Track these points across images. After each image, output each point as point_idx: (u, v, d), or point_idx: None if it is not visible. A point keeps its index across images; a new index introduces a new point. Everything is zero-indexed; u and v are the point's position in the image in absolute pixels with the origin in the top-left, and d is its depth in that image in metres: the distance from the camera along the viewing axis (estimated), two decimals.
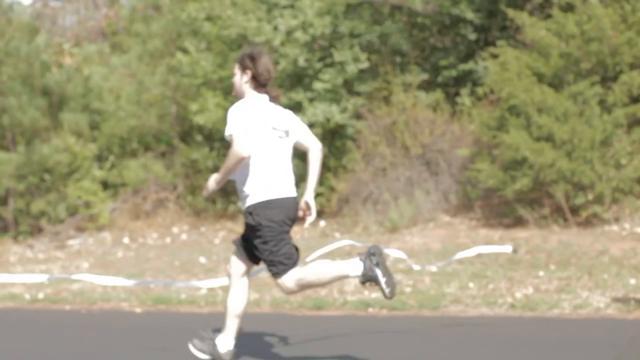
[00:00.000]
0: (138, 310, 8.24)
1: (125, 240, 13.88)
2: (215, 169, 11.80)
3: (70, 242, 14.21)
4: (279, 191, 5.15)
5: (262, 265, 5.34)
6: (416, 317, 7.15)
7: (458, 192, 12.18)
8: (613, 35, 10.77)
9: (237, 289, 5.31)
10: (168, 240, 13.59)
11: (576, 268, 8.52)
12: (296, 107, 12.96)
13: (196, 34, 14.39)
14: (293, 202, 5.21)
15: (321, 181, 13.12)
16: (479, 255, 9.51)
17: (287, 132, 5.27)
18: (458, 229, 11.35)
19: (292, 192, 5.23)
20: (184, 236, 13.70)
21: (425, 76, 13.26)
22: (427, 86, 13.34)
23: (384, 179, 12.58)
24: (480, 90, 12.21)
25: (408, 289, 8.11)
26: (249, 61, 5.27)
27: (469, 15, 12.87)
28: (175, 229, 14.04)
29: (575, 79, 11.06)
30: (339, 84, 12.84)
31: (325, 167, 13.26)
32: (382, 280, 4.95)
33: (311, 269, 5.09)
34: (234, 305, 5.29)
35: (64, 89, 15.11)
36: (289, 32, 12.86)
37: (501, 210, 11.49)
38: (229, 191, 12.73)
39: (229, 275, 5.38)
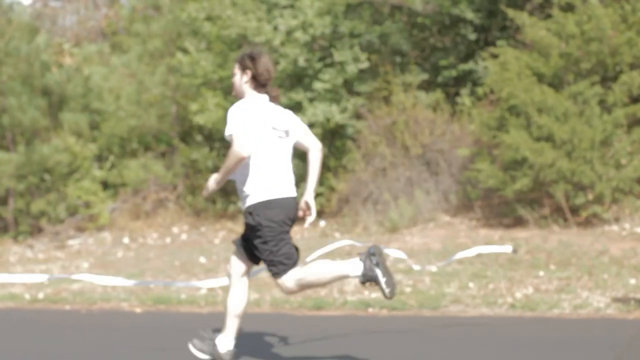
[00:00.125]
0: (138, 310, 8.24)
1: (125, 240, 13.88)
2: (215, 169, 11.80)
3: (70, 242, 14.21)
4: (279, 191, 5.14)
5: (262, 265, 5.34)
6: (416, 317, 7.15)
7: (458, 192, 12.18)
8: (613, 35, 10.77)
9: (237, 289, 5.31)
10: (168, 240, 13.59)
11: (576, 268, 8.52)
12: (296, 107, 12.96)
13: (196, 34, 14.39)
14: (293, 202, 5.21)
15: (321, 181, 13.12)
16: (479, 255, 9.51)
17: (287, 132, 5.27)
18: (458, 229, 11.35)
19: (292, 192, 5.23)
20: (184, 236, 13.70)
21: (425, 76, 13.26)
22: (427, 86, 13.34)
23: (384, 179, 12.58)
24: (480, 90, 12.21)
25: (408, 289, 8.11)
26: (249, 61, 5.27)
27: (469, 15, 12.87)
28: (175, 229, 14.04)
29: (575, 79, 11.06)
30: (339, 84, 12.84)
31: (325, 167, 13.26)
32: (382, 280, 4.95)
33: (311, 269, 5.09)
34: (234, 305, 5.29)
35: (64, 89, 15.11)
36: (289, 32, 12.86)
37: (501, 210, 11.49)
38: (229, 191, 12.73)
39: (229, 275, 5.37)
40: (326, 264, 5.12)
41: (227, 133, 5.07)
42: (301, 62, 12.75)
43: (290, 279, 5.08)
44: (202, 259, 11.07)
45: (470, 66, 12.95)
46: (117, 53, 16.79)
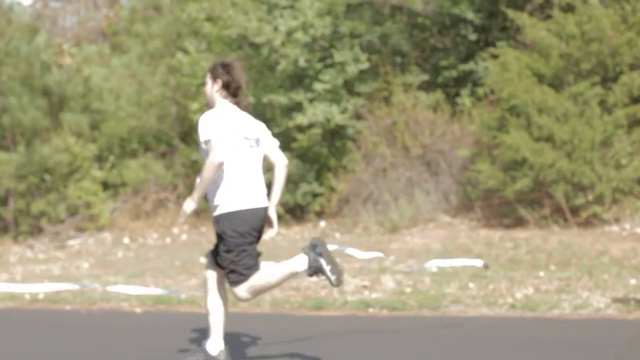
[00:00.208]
0: (138, 310, 8.24)
1: (126, 240, 13.89)
2: None
3: (71, 242, 14.21)
4: (249, 201, 5.14)
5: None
6: (416, 317, 7.14)
7: (458, 193, 12.18)
8: (613, 36, 10.77)
9: (215, 293, 5.31)
10: (168, 240, 13.59)
11: (576, 268, 8.52)
12: (296, 108, 12.97)
13: (196, 35, 14.39)
14: (262, 212, 5.21)
15: (321, 181, 13.14)
16: (479, 255, 9.53)
17: (257, 141, 5.29)
18: (458, 229, 11.35)
19: (262, 202, 5.21)
20: (184, 236, 13.70)
21: (425, 77, 13.27)
22: (427, 87, 13.35)
23: (384, 180, 12.58)
24: (480, 91, 12.22)
25: (408, 289, 8.11)
26: (220, 70, 5.30)
27: (470, 15, 12.87)
28: (175, 229, 14.04)
29: (576, 79, 11.06)
30: (339, 84, 12.84)
31: (325, 167, 13.29)
32: (327, 268, 5.02)
33: (259, 274, 5.13)
34: (214, 309, 5.30)
35: (64, 89, 15.12)
36: (290, 33, 12.86)
37: (501, 211, 11.49)
38: None
39: (205, 281, 5.38)
40: (273, 266, 5.18)
41: (202, 139, 5.07)
42: (301, 62, 12.75)
43: (242, 288, 5.13)
44: (202, 259, 11.06)
45: (471, 67, 12.96)
46: (118, 53, 16.80)
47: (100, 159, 15.39)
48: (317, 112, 12.66)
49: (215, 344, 5.28)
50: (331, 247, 6.45)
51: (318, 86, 12.76)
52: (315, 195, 13.10)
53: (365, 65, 12.84)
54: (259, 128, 5.36)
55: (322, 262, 5.03)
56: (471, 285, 8.12)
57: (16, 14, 16.01)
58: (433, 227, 11.64)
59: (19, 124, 14.66)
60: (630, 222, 10.42)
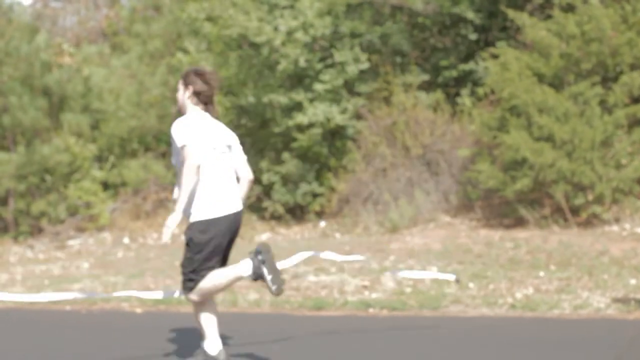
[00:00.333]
0: (138, 310, 8.24)
1: (126, 240, 13.88)
2: None
3: (71, 242, 14.21)
4: (221, 208, 5.17)
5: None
6: (416, 317, 7.14)
7: (458, 193, 12.18)
8: (613, 36, 10.77)
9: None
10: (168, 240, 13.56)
11: (576, 268, 8.52)
12: (296, 107, 12.97)
13: (196, 34, 14.39)
14: (235, 217, 5.24)
15: (321, 181, 13.14)
16: (479, 255, 9.53)
17: (229, 147, 5.33)
18: (458, 229, 11.35)
19: (235, 207, 5.24)
20: (184, 236, 13.68)
21: (425, 76, 13.26)
22: (427, 86, 13.35)
23: (384, 180, 12.58)
24: (480, 91, 12.22)
25: (408, 289, 8.11)
26: (193, 77, 5.34)
27: (470, 15, 12.87)
28: (175, 229, 14.01)
29: (576, 79, 11.06)
30: (339, 84, 12.84)
31: (325, 167, 13.29)
32: (268, 277, 5.08)
33: (208, 278, 5.17)
34: (204, 310, 5.31)
35: (64, 89, 15.11)
36: (290, 33, 12.86)
37: (502, 211, 11.48)
38: None
39: None
40: (220, 270, 5.21)
41: (179, 145, 5.10)
42: (302, 62, 12.75)
43: (194, 292, 5.19)
44: None
45: (471, 66, 12.95)
46: (118, 53, 16.79)
47: (100, 159, 15.38)
48: (317, 112, 12.66)
49: (213, 344, 5.28)
50: (307, 254, 6.47)
51: (318, 86, 12.76)
52: (315, 195, 13.10)
53: (365, 65, 12.84)
54: (230, 136, 5.39)
55: (264, 270, 5.08)
56: (471, 285, 8.12)
57: (16, 14, 16.01)
58: (433, 227, 11.64)
59: (19, 124, 14.65)
60: (630, 222, 10.42)
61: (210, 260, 5.17)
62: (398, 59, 13.73)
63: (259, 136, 13.77)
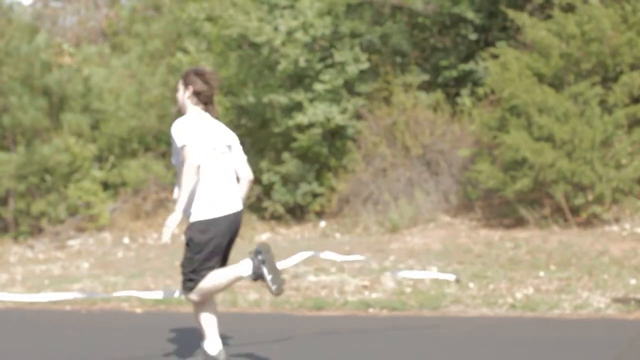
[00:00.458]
0: (138, 310, 8.24)
1: (126, 240, 13.88)
2: None
3: (71, 242, 14.21)
4: (221, 208, 5.17)
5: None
6: (416, 317, 7.14)
7: (458, 193, 12.18)
8: (613, 36, 10.77)
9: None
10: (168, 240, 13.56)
11: (576, 268, 8.52)
12: (296, 107, 12.96)
13: (196, 34, 14.39)
14: (235, 217, 5.24)
15: (321, 181, 13.14)
16: (479, 255, 9.53)
17: (229, 147, 5.33)
18: (458, 229, 11.34)
19: (235, 207, 5.24)
20: (184, 236, 13.68)
21: (425, 76, 13.26)
22: (427, 86, 13.35)
23: (385, 180, 12.58)
24: (480, 91, 12.22)
25: (408, 289, 8.11)
26: (193, 77, 5.35)
27: (470, 15, 12.87)
28: (175, 229, 14.01)
29: (576, 79, 11.06)
30: (339, 84, 12.84)
31: (325, 167, 13.29)
32: (268, 277, 5.08)
33: (208, 278, 5.17)
34: (203, 310, 5.31)
35: (64, 89, 15.11)
36: (290, 33, 12.86)
37: (502, 211, 11.48)
38: None
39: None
40: (220, 270, 5.21)
41: (179, 145, 5.10)
42: (302, 62, 12.75)
43: (194, 292, 5.20)
44: None
45: (471, 66, 12.95)
46: (118, 53, 16.79)
47: (100, 159, 15.38)
48: (317, 112, 12.66)
49: (213, 344, 5.29)
50: (307, 254, 6.47)
51: (318, 86, 12.76)
52: (315, 195, 13.10)
53: (365, 65, 12.84)
54: (230, 136, 5.40)
55: (265, 270, 5.08)
56: (471, 285, 8.12)
57: (16, 14, 16.00)
58: (433, 227, 11.64)
59: (19, 124, 14.65)
60: (630, 222, 10.42)
61: (210, 260, 5.17)
62: (398, 59, 13.73)
63: (259, 136, 13.77)
